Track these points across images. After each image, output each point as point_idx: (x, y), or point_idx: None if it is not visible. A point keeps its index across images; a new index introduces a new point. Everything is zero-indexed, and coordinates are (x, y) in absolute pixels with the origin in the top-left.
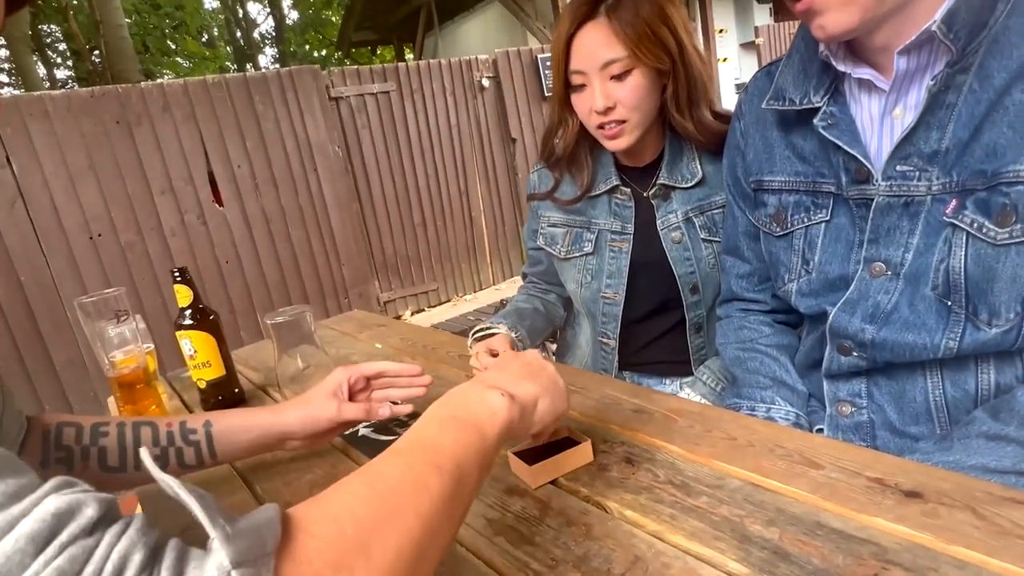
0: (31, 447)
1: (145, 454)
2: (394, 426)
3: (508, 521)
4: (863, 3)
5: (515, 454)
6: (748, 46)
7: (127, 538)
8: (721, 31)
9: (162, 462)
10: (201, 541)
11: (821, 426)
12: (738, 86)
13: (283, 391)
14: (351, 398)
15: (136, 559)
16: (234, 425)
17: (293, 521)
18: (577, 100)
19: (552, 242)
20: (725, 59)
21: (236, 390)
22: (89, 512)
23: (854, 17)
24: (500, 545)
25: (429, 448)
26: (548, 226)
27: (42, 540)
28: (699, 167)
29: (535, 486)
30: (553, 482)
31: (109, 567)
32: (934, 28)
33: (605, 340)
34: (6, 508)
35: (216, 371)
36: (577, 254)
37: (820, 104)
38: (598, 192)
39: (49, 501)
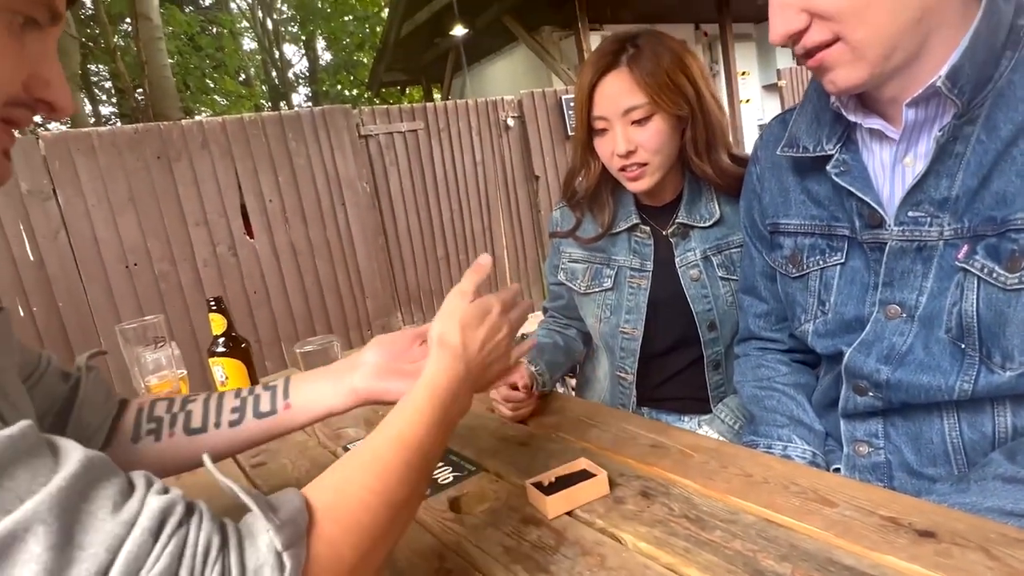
0: (124, 426)
1: (207, 459)
2: None
3: (524, 550)
4: (871, 60)
5: (532, 484)
6: (771, 88)
7: (205, 526)
8: (744, 73)
9: (241, 413)
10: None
11: (838, 465)
12: (760, 126)
13: None
14: None
15: (215, 541)
16: (308, 376)
17: (318, 509)
18: (600, 144)
19: (572, 277)
20: (748, 100)
21: None
22: (179, 508)
23: (863, 73)
24: (516, 573)
25: (418, 442)
26: (569, 262)
27: (155, 532)
28: (717, 207)
29: (551, 516)
30: (569, 513)
31: (200, 549)
32: (939, 84)
33: (623, 375)
34: (122, 506)
35: None
36: (597, 289)
37: (833, 152)
38: (618, 230)
39: (152, 500)
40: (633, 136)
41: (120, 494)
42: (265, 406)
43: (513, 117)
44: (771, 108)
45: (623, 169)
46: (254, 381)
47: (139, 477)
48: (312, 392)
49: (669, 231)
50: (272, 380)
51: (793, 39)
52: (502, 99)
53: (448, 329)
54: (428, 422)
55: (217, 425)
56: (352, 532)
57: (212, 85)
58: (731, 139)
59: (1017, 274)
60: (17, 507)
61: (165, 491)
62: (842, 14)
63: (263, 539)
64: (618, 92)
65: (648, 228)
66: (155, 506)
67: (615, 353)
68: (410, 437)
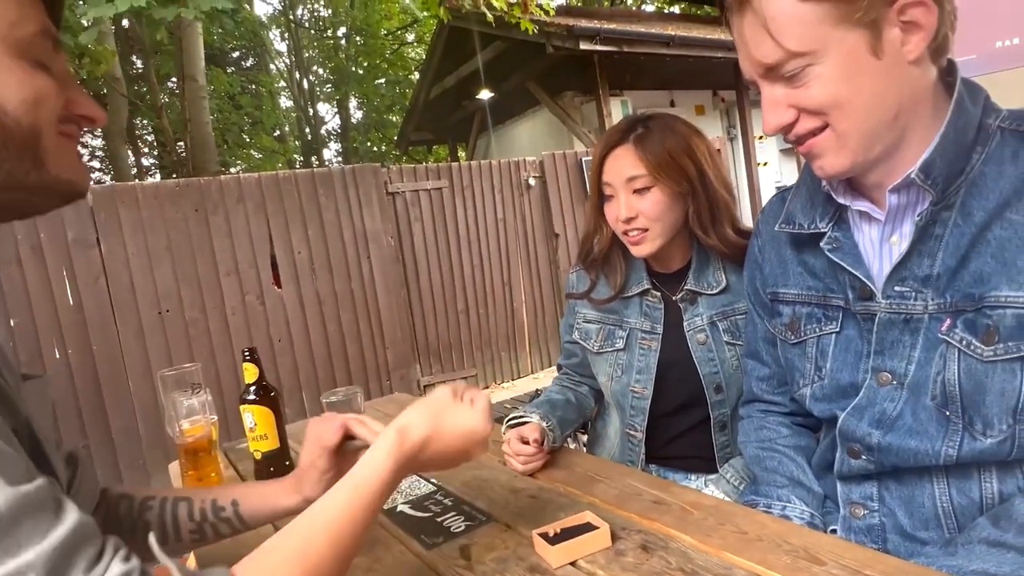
0: (98, 517)
1: (152, 540)
2: (429, 504)
3: None
4: (853, 150)
5: (539, 535)
6: (788, 151)
7: None
8: (761, 138)
9: (201, 534)
10: None
11: (835, 527)
12: (778, 187)
13: None
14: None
15: None
16: (259, 503)
17: None
18: (607, 209)
19: (586, 337)
20: (765, 163)
21: (287, 463)
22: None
23: (846, 161)
24: None
25: (342, 521)
26: (584, 322)
27: None
28: (724, 276)
29: (556, 566)
30: (573, 563)
31: None
32: (913, 176)
33: (632, 432)
34: (93, 567)
35: (272, 443)
36: (609, 349)
37: (826, 229)
38: (631, 294)
39: (115, 567)
40: (634, 204)
41: (96, 556)
42: (224, 531)
43: (535, 177)
44: (788, 171)
45: (626, 233)
46: (281, 428)
47: (110, 542)
48: (268, 514)
49: (678, 297)
50: (219, 496)
51: (784, 131)
52: (524, 160)
53: (416, 424)
54: (360, 510)
55: (178, 540)
56: None
57: (248, 140)
58: (744, 206)
59: (992, 347)
60: (16, 553)
61: (127, 559)
62: (825, 107)
63: None
64: (622, 164)
65: (659, 293)
66: (116, 571)
67: (625, 411)
68: (341, 527)
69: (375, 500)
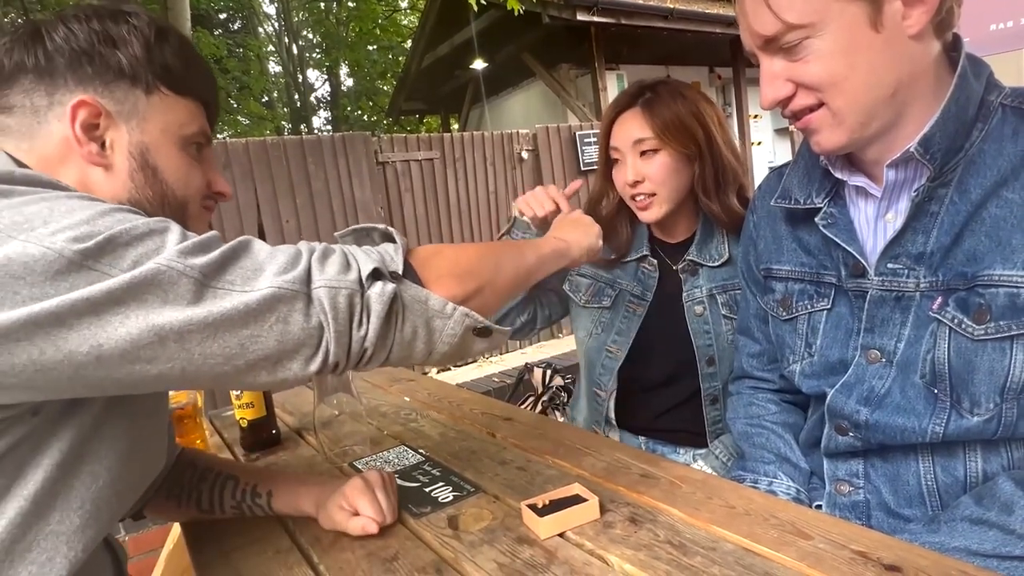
0: (170, 472)
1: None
2: (417, 474)
3: (517, 567)
4: (850, 126)
5: (527, 506)
6: (782, 132)
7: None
8: (755, 117)
9: (240, 511)
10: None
11: (820, 502)
12: (771, 168)
13: (318, 435)
14: None
15: (358, 249)
16: (288, 500)
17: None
18: (615, 174)
19: (576, 289)
20: (759, 143)
21: (273, 431)
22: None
23: (843, 137)
24: None
25: (511, 245)
26: (576, 274)
27: (312, 246)
28: (727, 249)
29: (544, 537)
30: (561, 534)
31: (343, 247)
32: (912, 150)
33: (599, 391)
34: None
35: (257, 412)
36: (595, 305)
37: (822, 205)
38: (630, 259)
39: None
40: (641, 168)
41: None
42: (259, 512)
43: (527, 150)
44: (782, 151)
45: (633, 198)
46: (267, 397)
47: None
48: (291, 512)
49: (679, 267)
50: (260, 482)
51: (781, 104)
52: (517, 132)
53: (556, 231)
54: (530, 255)
55: (222, 511)
56: (446, 249)
57: (236, 105)
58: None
59: (983, 326)
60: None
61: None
62: (822, 85)
63: (376, 234)
64: (631, 127)
65: (656, 261)
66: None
67: (595, 369)
68: (509, 253)
69: (540, 253)
